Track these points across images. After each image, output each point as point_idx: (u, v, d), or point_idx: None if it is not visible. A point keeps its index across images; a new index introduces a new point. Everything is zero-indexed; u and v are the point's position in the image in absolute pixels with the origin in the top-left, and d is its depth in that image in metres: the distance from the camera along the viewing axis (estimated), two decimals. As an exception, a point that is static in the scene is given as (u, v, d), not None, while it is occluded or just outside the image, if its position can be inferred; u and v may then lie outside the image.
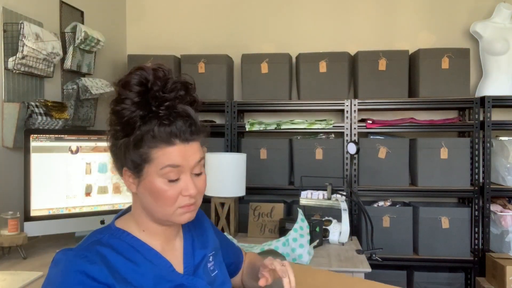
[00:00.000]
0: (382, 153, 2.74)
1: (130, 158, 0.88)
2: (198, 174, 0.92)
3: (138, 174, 0.89)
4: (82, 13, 2.57)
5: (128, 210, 1.01)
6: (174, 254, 0.97)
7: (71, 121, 2.37)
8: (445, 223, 2.65)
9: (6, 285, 1.34)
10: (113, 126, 0.88)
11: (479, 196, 2.71)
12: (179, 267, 0.96)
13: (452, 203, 2.97)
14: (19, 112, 1.91)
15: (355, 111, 2.76)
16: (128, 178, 0.91)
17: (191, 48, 3.18)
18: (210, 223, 1.14)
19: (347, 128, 2.78)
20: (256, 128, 2.85)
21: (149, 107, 0.85)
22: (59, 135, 1.81)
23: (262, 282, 1.02)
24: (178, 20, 3.24)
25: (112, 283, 0.83)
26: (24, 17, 2.02)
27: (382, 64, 2.78)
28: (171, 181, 0.88)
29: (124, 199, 1.95)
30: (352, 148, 2.17)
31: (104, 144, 1.89)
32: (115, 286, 0.83)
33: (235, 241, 1.25)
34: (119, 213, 1.00)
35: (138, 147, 0.86)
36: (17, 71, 1.96)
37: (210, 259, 1.03)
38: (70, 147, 1.83)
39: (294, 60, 3.02)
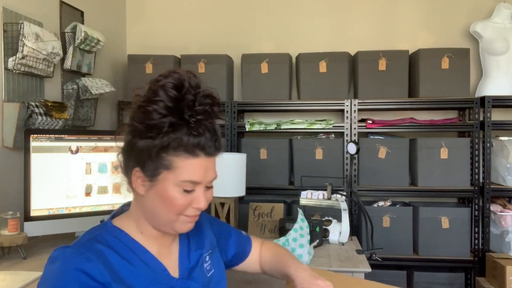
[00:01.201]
0: (382, 153, 2.74)
1: (149, 161, 0.86)
2: (209, 187, 0.94)
3: (153, 178, 0.87)
4: (82, 13, 2.57)
5: (124, 208, 1.00)
6: (170, 258, 0.97)
7: (71, 121, 2.37)
8: (445, 223, 2.65)
9: (6, 285, 1.34)
10: (136, 123, 0.87)
11: (479, 196, 2.71)
12: (174, 270, 0.95)
13: (452, 203, 2.97)
14: (19, 112, 1.91)
15: (355, 111, 2.76)
16: (137, 179, 0.89)
17: (191, 48, 3.18)
18: (208, 219, 1.13)
19: (347, 128, 2.78)
20: (256, 128, 2.85)
21: (181, 115, 0.85)
22: (59, 135, 1.81)
23: None
24: (178, 20, 3.24)
25: (108, 282, 0.82)
26: (24, 17, 2.02)
27: (382, 64, 2.78)
28: (186, 191, 0.88)
29: (124, 199, 1.95)
30: (352, 148, 2.17)
31: (104, 144, 1.90)
32: (111, 285, 0.83)
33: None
34: (115, 211, 0.99)
35: (162, 152, 0.85)
36: (17, 71, 1.96)
37: (207, 259, 1.02)
38: (70, 147, 1.83)
39: (294, 60, 3.01)
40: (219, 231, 1.15)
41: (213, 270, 1.03)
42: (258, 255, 1.22)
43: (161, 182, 0.87)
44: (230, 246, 1.16)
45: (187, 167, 0.86)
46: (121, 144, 0.93)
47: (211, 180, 0.92)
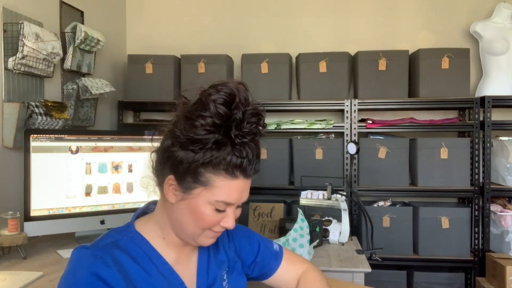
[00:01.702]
0: (382, 153, 2.74)
1: (186, 174, 0.85)
2: (239, 206, 0.93)
3: (187, 191, 0.86)
4: (82, 13, 2.57)
5: (150, 207, 0.98)
6: (188, 266, 0.95)
7: (71, 121, 2.37)
8: (445, 223, 2.65)
9: (6, 285, 1.34)
10: (180, 133, 0.84)
11: (479, 196, 2.71)
12: (190, 284, 0.93)
13: (452, 203, 2.97)
14: (19, 112, 1.91)
15: (355, 111, 2.76)
16: (170, 187, 0.88)
17: (191, 48, 3.18)
18: (225, 232, 1.05)
19: (347, 128, 2.78)
20: (256, 128, 2.85)
21: (228, 134, 0.83)
22: (59, 135, 1.81)
23: None
24: (178, 20, 3.24)
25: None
26: (24, 17, 2.02)
27: (382, 64, 2.78)
28: (217, 210, 0.87)
29: (124, 199, 1.96)
30: (352, 148, 2.17)
31: (104, 144, 1.90)
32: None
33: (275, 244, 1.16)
34: (139, 211, 0.98)
35: (202, 168, 0.84)
36: (17, 71, 1.96)
37: (225, 277, 1.00)
38: (70, 147, 1.83)
39: (294, 60, 3.01)
40: (242, 238, 1.10)
41: (227, 280, 1.00)
42: (297, 279, 1.11)
43: (194, 197, 0.86)
44: (255, 254, 1.10)
45: (224, 187, 0.85)
46: (156, 144, 0.91)
47: (243, 201, 0.92)
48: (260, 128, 0.88)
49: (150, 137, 0.92)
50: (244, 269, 1.07)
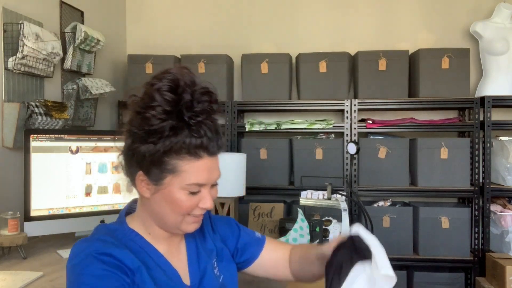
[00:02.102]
0: (382, 153, 2.74)
1: (152, 166, 0.86)
2: (213, 186, 0.93)
3: (158, 182, 0.87)
4: (82, 13, 2.57)
5: (132, 208, 0.99)
6: (179, 258, 0.96)
7: (71, 121, 2.37)
8: (445, 223, 2.65)
9: (6, 285, 1.34)
10: (136, 129, 0.85)
11: (479, 196, 2.71)
12: (184, 275, 0.94)
13: (452, 203, 2.97)
14: (19, 112, 1.91)
15: (355, 111, 2.76)
16: (142, 183, 0.89)
17: (191, 48, 3.17)
18: (209, 223, 1.08)
19: (347, 128, 2.78)
20: (256, 128, 2.85)
21: (181, 117, 0.84)
22: (59, 135, 1.81)
23: None
24: (178, 20, 3.24)
25: (138, 267, 0.83)
26: (24, 17, 2.02)
27: (382, 64, 2.78)
28: (191, 192, 0.88)
29: (124, 199, 1.95)
30: (352, 148, 2.17)
31: (104, 144, 1.90)
32: (141, 270, 0.84)
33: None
34: (126, 209, 0.99)
35: (165, 156, 0.84)
36: (17, 71, 1.96)
37: (215, 265, 1.01)
38: (70, 147, 1.83)
39: (294, 60, 3.01)
40: (227, 228, 1.10)
41: (223, 275, 1.01)
42: (286, 257, 1.09)
43: (166, 186, 0.86)
44: (238, 241, 1.10)
45: (191, 170, 0.86)
46: (121, 144, 0.92)
47: (215, 179, 0.92)
48: (214, 105, 0.88)
49: (113, 137, 0.95)
50: (232, 256, 1.08)
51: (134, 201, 0.99)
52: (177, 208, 0.88)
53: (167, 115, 0.83)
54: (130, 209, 0.99)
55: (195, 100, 0.85)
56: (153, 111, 0.83)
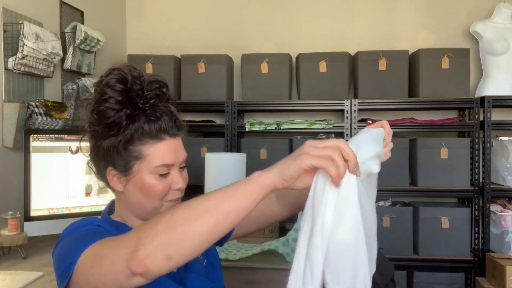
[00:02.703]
0: (382, 153, 2.73)
1: (118, 157, 0.89)
2: (182, 168, 0.95)
3: (127, 172, 0.90)
4: (82, 13, 2.57)
5: (112, 209, 1.01)
6: None
7: (71, 121, 2.37)
8: (445, 223, 2.65)
9: (6, 285, 1.34)
10: (95, 127, 0.89)
11: (479, 196, 2.71)
12: None
13: (452, 203, 2.97)
14: (19, 112, 1.91)
15: (355, 111, 2.76)
16: (113, 178, 0.92)
17: (191, 48, 3.17)
18: None
19: (347, 128, 2.78)
20: (256, 128, 2.85)
21: (135, 105, 0.87)
22: (59, 135, 1.81)
23: None
24: (178, 20, 3.24)
25: None
26: (24, 17, 2.02)
27: (382, 64, 2.78)
28: (161, 175, 0.90)
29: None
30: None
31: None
32: None
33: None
34: (107, 208, 1.01)
35: (129, 145, 0.88)
36: (17, 71, 1.96)
37: None
38: (70, 147, 1.83)
39: (294, 60, 3.01)
40: None
41: (206, 260, 1.03)
42: (273, 196, 1.02)
43: (136, 174, 0.89)
44: None
45: (156, 152, 0.89)
46: (87, 148, 0.95)
47: (182, 160, 0.94)
48: (164, 89, 0.91)
49: (78, 143, 0.98)
50: None
51: (112, 203, 1.01)
52: (151, 194, 0.90)
53: (121, 105, 0.86)
54: (110, 210, 1.01)
55: (144, 88, 0.89)
56: (107, 103, 0.86)
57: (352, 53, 2.92)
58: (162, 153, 0.89)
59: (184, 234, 0.67)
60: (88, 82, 2.42)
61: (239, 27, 3.19)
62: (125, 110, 0.86)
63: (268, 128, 2.84)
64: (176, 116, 0.92)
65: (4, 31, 1.91)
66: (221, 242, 1.10)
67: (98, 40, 2.47)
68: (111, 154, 0.89)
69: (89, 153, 0.94)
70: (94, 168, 0.96)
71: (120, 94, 0.87)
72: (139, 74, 0.90)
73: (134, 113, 0.87)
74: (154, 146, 0.88)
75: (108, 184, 0.95)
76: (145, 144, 0.88)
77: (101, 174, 0.94)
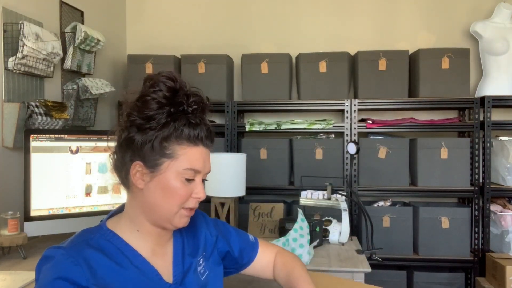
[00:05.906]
0: (382, 153, 2.74)
1: (151, 152, 0.89)
2: (203, 181, 0.96)
3: (154, 169, 0.90)
4: (82, 13, 2.57)
5: (120, 210, 1.00)
6: (164, 258, 0.97)
7: (71, 121, 2.37)
8: (445, 223, 2.65)
9: (6, 285, 1.34)
10: (135, 116, 0.89)
11: (479, 196, 2.71)
12: (167, 274, 0.95)
13: (452, 203, 2.97)
14: (19, 112, 1.91)
15: (355, 111, 2.76)
16: (136, 173, 0.91)
17: (191, 48, 3.18)
18: (204, 220, 1.10)
19: (347, 128, 2.78)
20: (256, 128, 2.85)
21: (180, 106, 0.89)
22: (59, 135, 1.81)
23: None
24: (178, 20, 3.24)
25: (91, 285, 0.83)
26: (24, 17, 2.02)
27: (382, 64, 2.78)
28: (187, 180, 0.91)
29: (124, 199, 1.95)
30: (352, 148, 2.17)
31: (104, 144, 1.89)
32: (96, 277, 0.84)
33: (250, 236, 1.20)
34: (111, 213, 1.00)
35: (165, 142, 0.89)
36: (17, 71, 1.97)
37: (200, 262, 1.02)
38: (70, 147, 1.83)
39: (294, 60, 3.01)
40: (222, 231, 1.13)
41: (207, 272, 1.02)
42: (272, 262, 1.17)
43: (163, 172, 0.90)
44: (233, 245, 1.13)
45: (189, 155, 0.90)
46: (113, 144, 0.95)
47: (207, 172, 0.96)
48: (207, 102, 0.95)
49: (107, 137, 0.96)
50: (221, 259, 1.10)
51: (120, 207, 1.01)
52: (171, 196, 0.90)
53: (167, 100, 0.88)
54: (119, 210, 1.00)
55: (190, 95, 0.91)
56: (155, 95, 0.88)
57: (352, 53, 2.92)
58: (194, 157, 0.91)
59: None
60: (88, 82, 2.42)
61: (239, 27, 3.19)
62: (169, 107, 0.88)
63: (268, 128, 2.84)
64: (212, 130, 0.95)
65: (4, 31, 1.92)
66: (238, 269, 1.17)
67: (98, 40, 2.47)
68: (144, 148, 0.89)
69: (116, 144, 0.94)
70: (117, 162, 0.94)
71: (169, 91, 0.89)
72: (186, 82, 0.93)
73: (177, 113, 0.89)
74: (188, 148, 0.90)
75: (125, 181, 0.94)
76: (181, 144, 0.90)
77: (122, 170, 0.93)
